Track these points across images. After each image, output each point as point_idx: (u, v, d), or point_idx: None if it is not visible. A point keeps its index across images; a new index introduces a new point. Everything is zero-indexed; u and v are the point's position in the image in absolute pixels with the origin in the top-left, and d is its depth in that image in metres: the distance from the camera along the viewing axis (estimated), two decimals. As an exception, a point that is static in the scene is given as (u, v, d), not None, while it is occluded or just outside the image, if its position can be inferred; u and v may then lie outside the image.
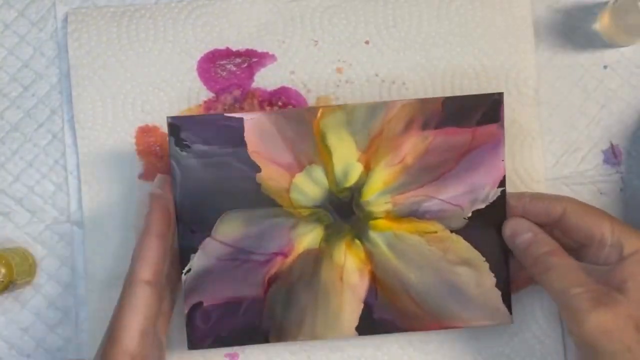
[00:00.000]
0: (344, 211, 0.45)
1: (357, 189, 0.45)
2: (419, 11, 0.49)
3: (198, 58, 0.49)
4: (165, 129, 0.48)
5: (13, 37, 0.50)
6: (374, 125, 0.44)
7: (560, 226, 0.43)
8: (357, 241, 0.45)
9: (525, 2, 0.49)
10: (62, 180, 0.49)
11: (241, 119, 0.44)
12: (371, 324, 0.45)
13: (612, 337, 0.38)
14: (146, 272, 0.39)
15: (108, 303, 0.47)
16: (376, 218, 0.45)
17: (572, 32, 0.49)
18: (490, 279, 0.45)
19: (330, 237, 0.45)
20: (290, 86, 0.49)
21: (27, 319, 0.48)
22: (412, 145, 0.44)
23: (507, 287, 0.45)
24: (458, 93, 0.48)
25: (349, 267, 0.45)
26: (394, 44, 0.49)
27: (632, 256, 0.40)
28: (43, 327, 0.48)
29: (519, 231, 0.43)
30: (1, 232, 0.49)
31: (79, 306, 0.48)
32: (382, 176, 0.44)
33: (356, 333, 0.45)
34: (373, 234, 0.45)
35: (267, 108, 0.49)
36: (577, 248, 0.43)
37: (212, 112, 0.49)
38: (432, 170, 0.44)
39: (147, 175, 0.48)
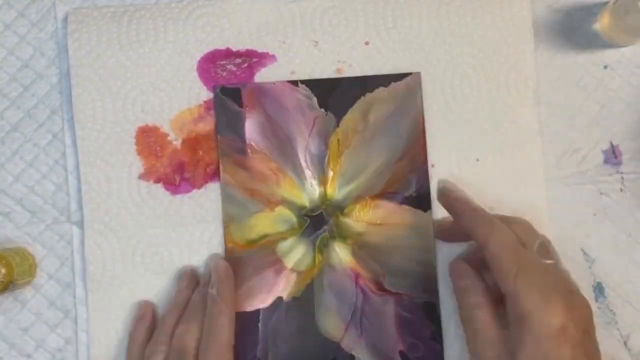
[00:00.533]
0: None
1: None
2: (419, 11, 0.49)
3: (198, 58, 0.49)
4: (165, 129, 0.49)
5: (13, 37, 0.50)
6: None
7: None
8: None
9: (525, 2, 0.49)
10: (62, 180, 0.49)
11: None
12: None
13: None
14: None
15: (108, 303, 0.48)
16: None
17: (572, 32, 0.49)
18: None
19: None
20: (290, 86, 0.49)
21: (27, 319, 0.48)
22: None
23: None
24: (458, 93, 0.49)
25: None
26: (394, 44, 0.49)
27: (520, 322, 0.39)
28: (43, 327, 0.48)
29: (461, 275, 0.43)
30: (1, 232, 0.49)
31: (79, 306, 0.48)
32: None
33: None
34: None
35: (267, 108, 0.49)
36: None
37: (212, 112, 0.49)
38: None
39: (147, 175, 0.48)
